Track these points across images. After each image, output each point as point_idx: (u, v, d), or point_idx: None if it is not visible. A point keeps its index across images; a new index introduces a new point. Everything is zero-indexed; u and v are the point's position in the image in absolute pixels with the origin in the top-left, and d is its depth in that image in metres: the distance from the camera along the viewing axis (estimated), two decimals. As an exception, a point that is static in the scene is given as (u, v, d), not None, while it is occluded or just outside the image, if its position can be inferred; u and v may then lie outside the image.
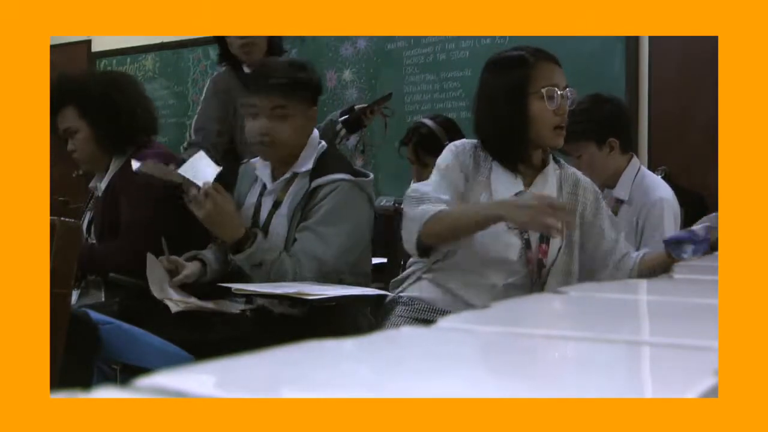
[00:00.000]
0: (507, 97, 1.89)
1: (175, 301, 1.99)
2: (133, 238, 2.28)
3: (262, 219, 2.18)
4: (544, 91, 1.85)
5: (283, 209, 2.13)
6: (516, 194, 1.90)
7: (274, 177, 2.18)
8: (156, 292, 2.01)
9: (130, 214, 2.31)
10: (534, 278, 1.90)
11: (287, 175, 2.15)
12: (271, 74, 2.10)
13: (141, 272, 2.10)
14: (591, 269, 1.97)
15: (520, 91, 1.87)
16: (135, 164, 2.05)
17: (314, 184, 2.09)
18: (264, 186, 2.21)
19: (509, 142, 1.91)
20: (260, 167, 2.22)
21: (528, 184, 1.93)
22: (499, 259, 1.90)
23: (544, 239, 1.90)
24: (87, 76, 2.50)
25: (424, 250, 1.87)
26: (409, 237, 1.86)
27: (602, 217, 2.00)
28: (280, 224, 2.12)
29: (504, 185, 1.91)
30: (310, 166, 2.13)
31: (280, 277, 1.99)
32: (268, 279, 1.98)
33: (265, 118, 2.08)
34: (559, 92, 1.86)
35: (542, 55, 1.91)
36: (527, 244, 1.89)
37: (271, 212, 2.14)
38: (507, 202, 1.79)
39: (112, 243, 2.32)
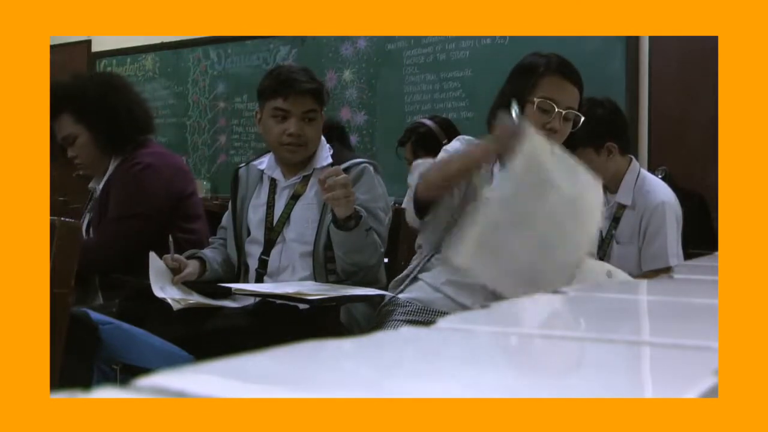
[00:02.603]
0: (509, 97, 1.92)
1: (177, 300, 2.00)
2: (110, 234, 2.29)
3: (277, 213, 2.24)
4: (537, 101, 1.86)
5: (308, 198, 2.22)
6: None
7: (286, 176, 2.27)
8: (156, 291, 2.02)
9: (113, 211, 2.32)
10: None
11: (307, 172, 2.26)
12: (303, 80, 2.24)
13: (140, 272, 2.11)
14: None
15: (520, 95, 1.89)
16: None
17: (341, 167, 2.17)
18: (274, 186, 2.27)
19: None
20: (269, 168, 2.30)
21: None
22: None
23: None
24: (79, 80, 2.49)
25: (421, 208, 1.90)
26: (408, 201, 1.91)
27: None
28: (306, 210, 2.21)
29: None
30: (330, 160, 2.26)
31: (373, 241, 2.11)
32: (364, 240, 2.08)
33: (296, 120, 2.20)
34: (556, 109, 1.86)
35: (557, 69, 1.90)
36: None
37: (290, 204, 2.23)
38: (473, 147, 1.86)
39: (90, 239, 2.32)
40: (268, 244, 2.23)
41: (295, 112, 2.20)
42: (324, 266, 2.17)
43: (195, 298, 2.08)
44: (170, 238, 2.17)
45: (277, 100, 2.21)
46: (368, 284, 2.16)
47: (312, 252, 2.17)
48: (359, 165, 2.21)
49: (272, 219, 2.24)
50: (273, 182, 2.29)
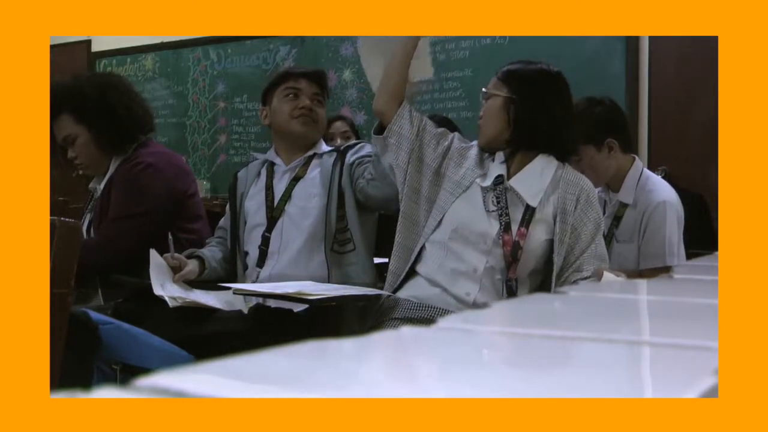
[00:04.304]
0: None
1: (174, 298, 2.01)
2: (112, 234, 2.29)
3: (277, 195, 2.32)
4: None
5: (310, 179, 2.33)
6: (495, 178, 2.02)
7: (286, 162, 2.39)
8: (156, 288, 2.02)
9: (114, 211, 2.32)
10: (508, 259, 1.93)
11: (309, 153, 2.38)
12: (313, 67, 2.48)
13: (141, 271, 2.11)
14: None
15: None
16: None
17: (344, 146, 2.40)
18: (272, 173, 2.37)
19: None
20: (271, 155, 2.42)
21: (514, 172, 2.03)
22: (478, 233, 1.97)
23: (524, 223, 1.94)
24: (78, 80, 2.49)
25: (380, 118, 2.10)
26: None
27: (587, 233, 1.99)
28: (309, 187, 2.31)
29: (490, 172, 2.04)
30: (329, 148, 2.41)
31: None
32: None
33: (307, 98, 2.37)
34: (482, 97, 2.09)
35: None
36: (506, 227, 1.94)
37: (291, 185, 2.33)
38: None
39: (92, 239, 2.32)
40: (271, 222, 2.27)
41: (305, 91, 2.37)
42: (334, 236, 2.24)
43: (194, 296, 2.08)
44: (170, 236, 2.17)
45: (289, 82, 2.38)
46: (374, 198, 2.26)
47: (324, 221, 2.24)
48: (360, 143, 2.43)
49: (272, 199, 2.30)
50: (271, 169, 2.37)
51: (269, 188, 2.33)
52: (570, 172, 2.05)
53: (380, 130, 2.10)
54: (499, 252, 1.95)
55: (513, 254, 1.94)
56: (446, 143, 2.09)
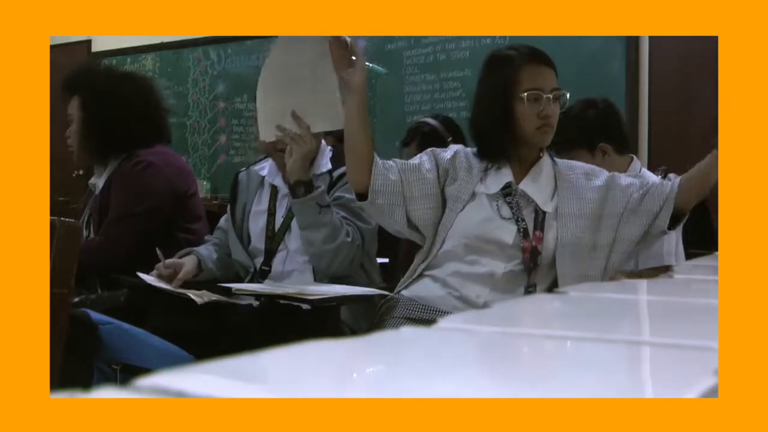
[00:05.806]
0: (493, 98, 1.95)
1: (198, 294, 1.99)
2: (113, 234, 2.29)
3: (278, 222, 2.21)
4: (525, 95, 1.89)
5: None
6: (503, 186, 1.94)
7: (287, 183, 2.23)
8: (182, 292, 2.02)
9: (114, 210, 2.32)
10: (528, 266, 1.91)
11: None
12: None
13: (142, 271, 2.11)
14: (633, 224, 1.95)
15: (505, 94, 1.92)
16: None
17: (336, 173, 2.20)
18: (275, 192, 2.25)
19: (497, 140, 1.97)
20: (270, 175, 2.27)
21: (521, 177, 1.96)
22: (495, 242, 1.92)
23: (539, 226, 1.92)
24: (98, 72, 2.51)
25: (358, 192, 1.95)
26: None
27: (616, 186, 1.96)
28: None
29: (493, 178, 1.96)
30: (329, 166, 2.22)
31: (330, 222, 2.07)
32: (316, 216, 2.07)
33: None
34: (544, 95, 1.89)
35: (531, 57, 1.94)
36: (525, 233, 1.91)
37: (291, 213, 2.18)
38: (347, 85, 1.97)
39: (93, 239, 2.33)
40: (269, 254, 2.20)
41: None
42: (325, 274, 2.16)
43: (207, 293, 2.07)
44: (158, 251, 2.14)
45: None
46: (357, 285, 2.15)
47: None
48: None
49: (273, 227, 2.21)
50: (274, 189, 2.26)
51: (271, 213, 2.23)
52: (562, 162, 2.04)
53: (360, 194, 1.95)
54: (519, 258, 1.91)
55: (533, 260, 1.91)
56: (431, 165, 1.98)
